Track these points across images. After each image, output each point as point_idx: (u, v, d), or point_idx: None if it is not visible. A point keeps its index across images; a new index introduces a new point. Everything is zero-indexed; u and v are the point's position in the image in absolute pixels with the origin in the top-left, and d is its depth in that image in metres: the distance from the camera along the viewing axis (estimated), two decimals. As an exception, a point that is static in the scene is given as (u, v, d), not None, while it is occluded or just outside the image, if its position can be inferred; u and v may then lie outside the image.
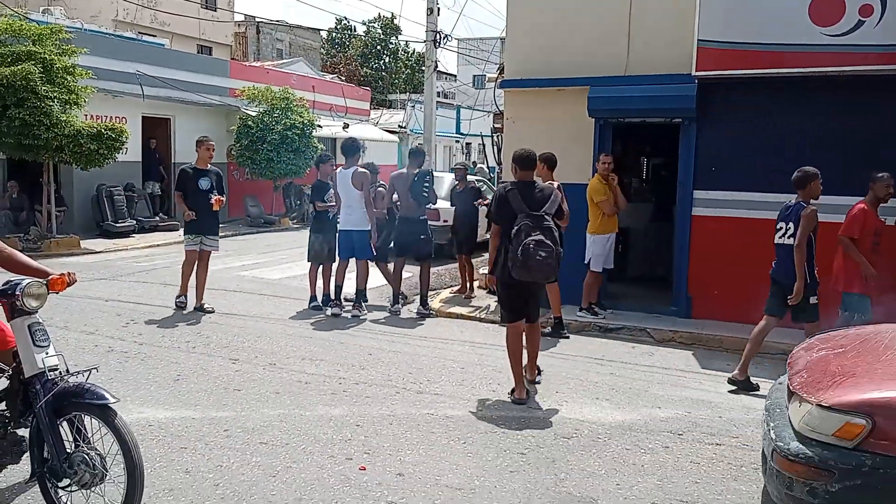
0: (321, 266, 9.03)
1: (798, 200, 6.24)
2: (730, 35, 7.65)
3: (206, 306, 8.52)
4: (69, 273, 3.68)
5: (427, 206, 9.03)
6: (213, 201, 8.46)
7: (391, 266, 9.34)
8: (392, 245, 9.37)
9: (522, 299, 5.85)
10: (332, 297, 8.89)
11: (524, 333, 5.95)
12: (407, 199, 8.92)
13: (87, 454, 3.43)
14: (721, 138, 8.39)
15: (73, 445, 3.49)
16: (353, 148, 8.90)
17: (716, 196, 8.42)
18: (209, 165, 8.74)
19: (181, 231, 9.72)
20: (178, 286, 8.68)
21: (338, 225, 8.94)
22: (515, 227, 5.56)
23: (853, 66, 7.26)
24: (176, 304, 8.55)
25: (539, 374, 6.21)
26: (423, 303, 9.04)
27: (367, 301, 8.99)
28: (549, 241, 5.50)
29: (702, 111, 8.30)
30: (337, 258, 8.94)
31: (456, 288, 10.41)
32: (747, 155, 8.21)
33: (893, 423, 3.21)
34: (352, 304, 8.90)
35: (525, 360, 5.96)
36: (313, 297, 9.03)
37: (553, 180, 7.35)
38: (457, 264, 10.53)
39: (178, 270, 8.74)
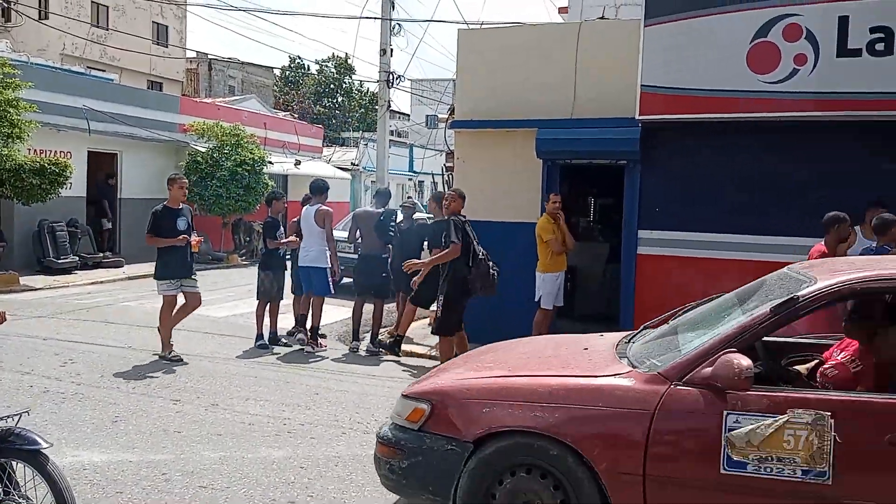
0: (269, 304, 8.93)
1: (881, 244, 6.21)
2: (672, 81, 7.89)
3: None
4: (1, 312, 3.56)
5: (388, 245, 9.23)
6: (193, 241, 8.13)
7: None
8: (353, 282, 9.48)
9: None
10: (278, 334, 9.03)
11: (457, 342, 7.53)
12: (371, 237, 9.09)
13: (18, 503, 3.29)
14: (664, 179, 8.60)
15: (3, 493, 3.35)
16: (320, 188, 9.04)
17: (659, 235, 8.61)
18: (181, 204, 8.24)
19: (119, 269, 9.44)
20: (119, 323, 8.44)
21: (295, 261, 9.04)
22: (472, 254, 7.16)
23: (789, 112, 7.53)
24: (169, 360, 7.77)
25: None
26: (374, 340, 9.02)
27: (324, 337, 9.07)
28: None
29: (645, 153, 8.52)
30: (290, 295, 9.18)
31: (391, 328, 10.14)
32: (690, 195, 8.43)
33: (446, 407, 3.75)
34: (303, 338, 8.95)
35: None
36: (260, 336, 8.91)
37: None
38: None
39: (122, 308, 8.53)
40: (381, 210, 9.19)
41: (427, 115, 40.98)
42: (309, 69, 52.99)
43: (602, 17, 11.12)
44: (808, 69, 7.39)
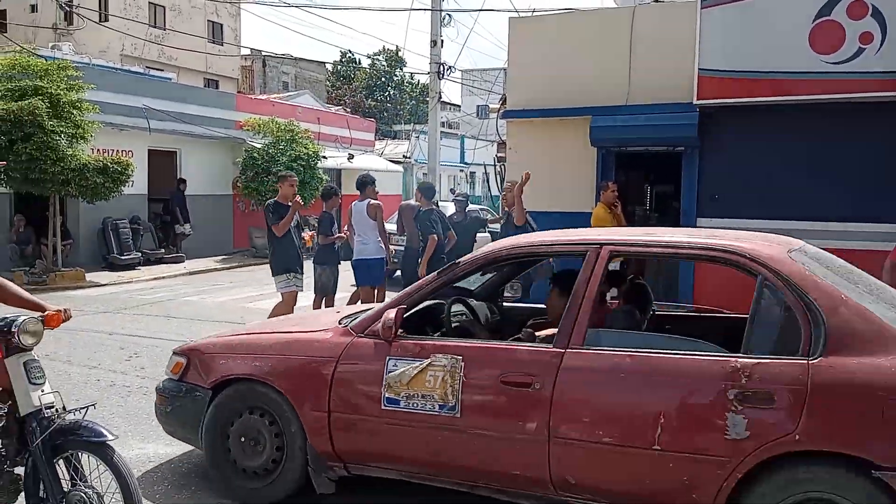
0: (324, 298, 9.02)
1: None
2: (730, 63, 7.70)
3: None
4: (65, 309, 3.66)
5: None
6: (305, 237, 8.22)
7: None
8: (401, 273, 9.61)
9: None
10: None
11: None
12: (413, 230, 9.12)
13: (85, 493, 3.38)
14: (723, 166, 8.38)
15: (70, 484, 3.44)
16: (364, 183, 9.08)
17: (719, 224, 8.38)
18: (291, 201, 8.20)
19: (180, 265, 9.64)
20: (181, 318, 8.64)
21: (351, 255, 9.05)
22: None
23: (854, 94, 7.28)
24: None
25: None
26: None
27: None
28: None
29: (703, 139, 8.31)
30: (347, 289, 9.23)
31: None
32: (750, 182, 8.20)
33: (196, 361, 4.43)
34: None
35: None
36: None
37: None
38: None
39: (184, 302, 8.72)
40: (428, 207, 9.11)
41: (478, 106, 40.76)
42: (360, 63, 53.38)
43: (657, 1, 10.88)
44: (875, 48, 7.13)
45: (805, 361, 3.17)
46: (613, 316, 4.45)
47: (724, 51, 7.72)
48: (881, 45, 7.08)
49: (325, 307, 9.01)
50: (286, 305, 8.15)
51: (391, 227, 12.82)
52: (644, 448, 3.31)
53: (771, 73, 7.58)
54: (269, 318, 7.85)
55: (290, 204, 8.15)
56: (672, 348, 3.52)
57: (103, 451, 3.37)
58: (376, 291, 8.89)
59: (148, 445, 5.14)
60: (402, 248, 10.12)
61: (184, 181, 17.81)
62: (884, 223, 7.57)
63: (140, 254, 15.72)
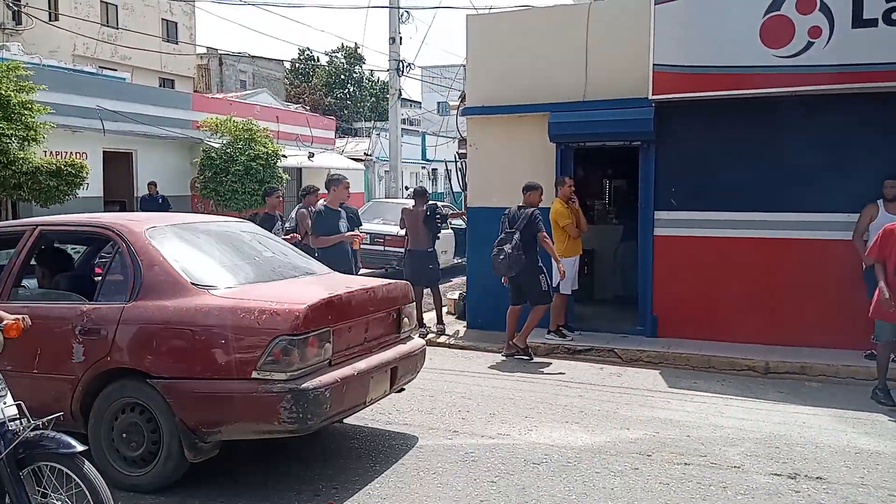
0: None
1: None
2: (684, 59, 7.81)
3: None
4: (24, 316, 3.58)
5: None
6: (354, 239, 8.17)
7: None
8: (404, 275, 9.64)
9: (516, 289, 8.17)
10: None
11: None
12: (417, 233, 9.49)
13: None
14: (679, 159, 8.52)
15: (41, 496, 3.38)
16: (329, 182, 9.12)
17: (677, 216, 8.54)
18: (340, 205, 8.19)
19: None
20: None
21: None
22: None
23: (804, 87, 7.43)
24: None
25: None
26: (440, 321, 9.65)
27: None
28: (504, 249, 7.90)
29: (659, 133, 8.43)
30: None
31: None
32: (705, 175, 8.35)
33: None
34: None
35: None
36: None
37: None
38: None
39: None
40: (424, 207, 9.56)
41: (438, 102, 40.91)
42: (319, 60, 52.98)
43: (611, -3, 10.98)
44: (823, 41, 7.28)
45: (122, 305, 4.45)
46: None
47: (678, 46, 7.83)
48: (829, 38, 7.24)
49: None
50: None
51: (380, 227, 13.04)
52: (30, 372, 4.49)
53: (724, 68, 7.70)
54: None
55: (338, 210, 8.05)
56: (53, 300, 4.96)
57: (72, 462, 3.32)
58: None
59: (109, 452, 5.06)
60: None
61: (154, 184, 17.07)
62: (837, 213, 7.77)
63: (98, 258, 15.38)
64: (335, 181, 8.39)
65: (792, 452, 5.17)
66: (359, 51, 50.55)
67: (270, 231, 8.72)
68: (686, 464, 4.94)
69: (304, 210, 9.15)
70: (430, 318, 9.86)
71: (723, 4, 7.71)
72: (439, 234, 9.88)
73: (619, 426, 5.78)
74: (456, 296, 10.69)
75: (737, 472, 4.80)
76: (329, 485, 4.55)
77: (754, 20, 7.47)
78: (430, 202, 9.83)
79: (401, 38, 19.56)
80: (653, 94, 7.93)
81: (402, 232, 10.07)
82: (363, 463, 4.93)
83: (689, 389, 6.85)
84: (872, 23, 7.09)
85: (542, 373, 7.55)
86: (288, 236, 8.99)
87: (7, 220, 13.03)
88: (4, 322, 3.47)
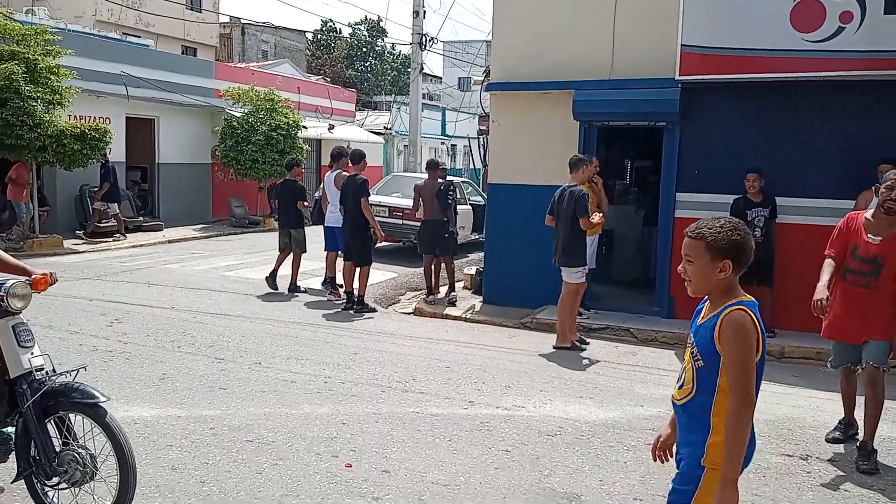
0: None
1: None
2: (713, 40, 7.74)
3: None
4: (51, 273, 3.68)
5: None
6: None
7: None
8: (419, 245, 10.29)
9: None
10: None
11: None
12: (432, 204, 9.72)
13: (78, 453, 3.43)
14: (703, 142, 8.48)
15: (63, 444, 3.49)
16: (339, 154, 9.92)
17: (698, 199, 8.51)
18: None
19: (158, 233, 9.70)
20: (162, 285, 8.65)
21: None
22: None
23: (834, 72, 7.37)
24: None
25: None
26: (452, 288, 9.95)
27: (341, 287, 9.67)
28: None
29: (685, 115, 8.39)
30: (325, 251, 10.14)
31: (422, 292, 10.49)
32: (729, 158, 8.30)
33: None
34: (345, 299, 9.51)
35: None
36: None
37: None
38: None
39: (164, 270, 8.74)
40: (440, 182, 9.86)
41: (459, 78, 40.69)
42: (341, 32, 52.78)
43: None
44: (855, 27, 7.20)
45: None
46: None
47: (706, 27, 7.77)
48: (860, 24, 7.16)
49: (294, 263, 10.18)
50: (575, 295, 7.63)
51: (398, 201, 13.26)
52: None
53: (752, 51, 7.64)
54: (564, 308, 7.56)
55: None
56: None
57: (96, 411, 3.41)
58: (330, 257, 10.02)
59: (132, 408, 5.19)
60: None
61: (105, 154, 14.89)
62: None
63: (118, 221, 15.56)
64: (581, 160, 7.75)
65: (804, 435, 5.21)
66: (381, 24, 50.31)
67: (295, 196, 10.20)
68: (699, 441, 4.98)
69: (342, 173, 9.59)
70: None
71: (754, -14, 7.63)
72: (457, 210, 10.11)
73: (633, 403, 5.84)
74: (473, 271, 10.75)
75: (749, 451, 4.84)
76: (347, 447, 4.64)
77: (785, 3, 7.39)
78: (448, 180, 10.06)
79: (424, 11, 19.53)
80: (679, 75, 7.89)
81: (415, 206, 10.18)
82: (380, 427, 5.02)
83: (703, 370, 6.88)
84: (906, 9, 7.00)
85: (558, 349, 7.60)
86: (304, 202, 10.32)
87: (32, 181, 13.19)
88: (33, 276, 3.57)
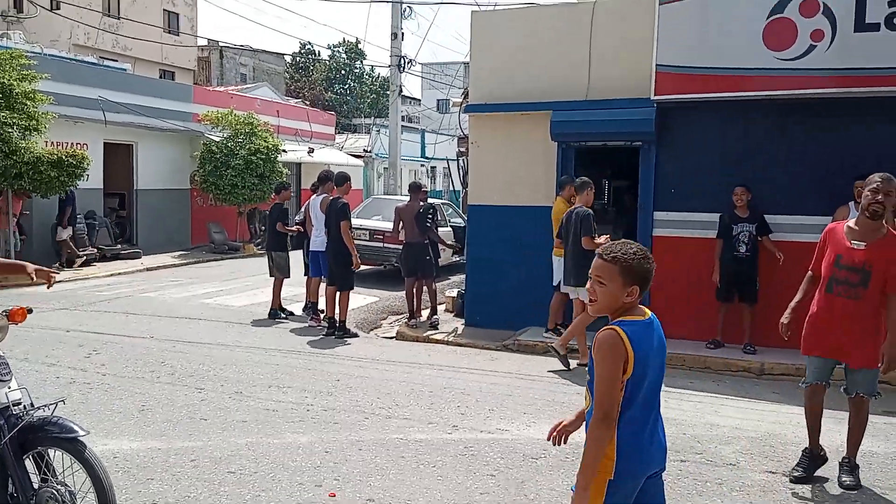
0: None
1: None
2: (687, 60, 7.85)
3: None
4: (49, 272, 3.65)
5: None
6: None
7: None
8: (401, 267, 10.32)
9: None
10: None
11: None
12: (412, 227, 9.74)
13: (56, 489, 3.36)
14: (680, 160, 8.57)
15: (41, 480, 3.42)
16: (325, 178, 9.89)
17: (676, 217, 8.59)
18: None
19: (137, 261, 9.60)
20: (140, 314, 8.54)
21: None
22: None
23: (806, 90, 7.48)
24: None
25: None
26: (434, 311, 9.93)
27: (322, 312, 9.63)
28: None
29: (661, 134, 8.49)
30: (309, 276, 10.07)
31: (403, 316, 10.45)
32: (705, 176, 8.40)
33: None
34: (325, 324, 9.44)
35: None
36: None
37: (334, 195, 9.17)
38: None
39: (143, 299, 8.66)
40: (421, 204, 9.89)
41: (438, 100, 40.92)
42: (320, 55, 52.95)
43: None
44: (826, 45, 7.33)
45: None
46: None
47: (681, 47, 7.88)
48: (831, 42, 7.29)
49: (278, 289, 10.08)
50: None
51: (378, 224, 13.27)
52: None
53: (726, 70, 7.74)
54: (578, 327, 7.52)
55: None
56: None
57: (75, 446, 3.35)
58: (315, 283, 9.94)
59: (112, 441, 5.10)
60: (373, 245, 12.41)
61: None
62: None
63: (96, 250, 15.42)
64: (586, 183, 7.96)
65: (787, 451, 5.23)
66: (360, 46, 50.58)
67: (283, 218, 10.15)
68: (682, 461, 4.99)
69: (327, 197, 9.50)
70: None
71: (727, 6, 7.75)
72: (434, 231, 10.09)
73: (617, 423, 5.83)
74: (455, 293, 10.74)
75: (732, 470, 4.86)
76: (331, 476, 4.59)
77: (758, 22, 7.52)
78: (429, 203, 10.07)
79: (403, 33, 19.65)
80: (655, 95, 7.99)
81: (395, 229, 10.21)
82: (364, 455, 4.97)
83: (685, 389, 6.90)
84: (875, 27, 7.14)
85: (540, 371, 7.60)
86: (293, 228, 10.19)
87: (7, 209, 13.04)
88: (10, 308, 3.52)
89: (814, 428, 4.74)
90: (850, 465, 4.67)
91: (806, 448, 4.78)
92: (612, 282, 2.50)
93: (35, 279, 3.61)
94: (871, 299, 4.44)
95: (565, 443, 2.80)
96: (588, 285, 2.58)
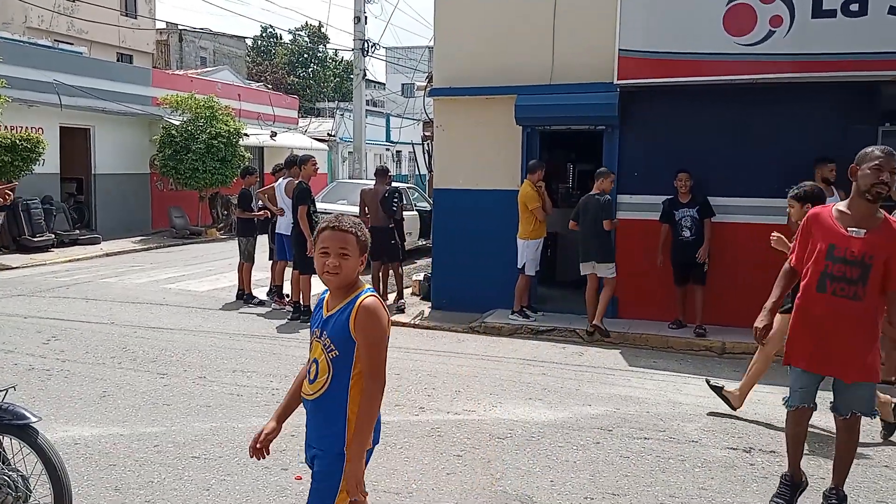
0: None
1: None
2: (649, 45, 7.92)
3: None
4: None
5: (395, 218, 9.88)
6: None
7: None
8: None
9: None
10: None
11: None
12: (377, 211, 9.67)
13: (8, 475, 3.29)
14: (642, 144, 8.66)
15: None
16: (291, 162, 9.78)
17: (639, 200, 8.69)
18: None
19: (96, 246, 9.40)
20: (100, 300, 8.39)
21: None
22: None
23: (765, 75, 7.60)
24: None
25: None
26: (401, 295, 9.95)
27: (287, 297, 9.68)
28: None
29: (623, 118, 8.56)
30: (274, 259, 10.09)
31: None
32: (667, 159, 8.48)
33: None
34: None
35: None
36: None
37: None
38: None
39: (102, 284, 8.51)
40: (387, 188, 9.80)
41: (403, 84, 40.69)
42: (281, 38, 52.23)
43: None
44: (784, 31, 7.44)
45: None
46: None
47: (643, 32, 7.94)
48: (790, 28, 7.40)
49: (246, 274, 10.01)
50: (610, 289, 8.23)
51: (343, 208, 13.16)
52: None
53: (688, 55, 7.83)
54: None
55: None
56: None
57: (26, 433, 3.29)
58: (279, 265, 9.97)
59: (73, 428, 5.03)
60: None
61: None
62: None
63: (53, 235, 15.09)
64: (604, 174, 8.27)
65: (747, 428, 5.35)
66: (323, 29, 49.95)
67: (248, 206, 10.01)
68: (646, 438, 5.08)
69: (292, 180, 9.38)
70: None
71: (688, -9, 7.82)
72: (400, 218, 10.06)
73: (581, 403, 5.91)
74: (421, 277, 10.74)
75: (694, 447, 4.96)
76: (296, 459, 4.57)
77: (718, 7, 7.60)
78: (394, 186, 10.00)
79: (366, 17, 19.47)
80: (618, 80, 8.04)
81: (361, 213, 9.95)
82: (330, 438, 4.96)
83: (648, 368, 7.02)
84: (831, 13, 7.27)
85: (506, 352, 7.65)
86: (260, 213, 10.09)
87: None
88: None
89: (796, 453, 4.06)
90: (837, 496, 3.93)
91: (785, 474, 4.10)
92: (355, 253, 2.53)
93: None
94: (871, 299, 3.70)
95: (268, 454, 2.73)
96: (330, 260, 2.50)
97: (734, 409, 5.65)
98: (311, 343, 2.63)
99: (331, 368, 2.52)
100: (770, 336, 4.42)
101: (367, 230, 2.61)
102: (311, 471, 2.66)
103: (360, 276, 2.57)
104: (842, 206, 3.85)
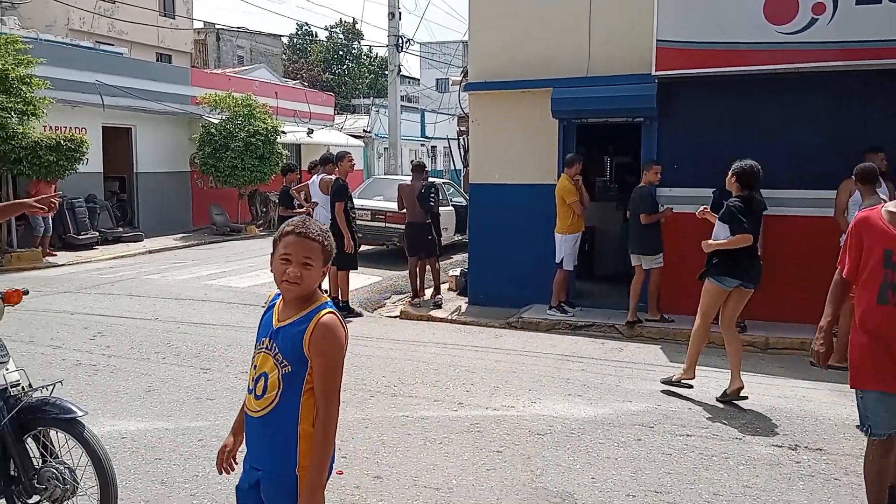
0: None
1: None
2: (687, 35, 7.80)
3: None
4: (21, 290, 3.62)
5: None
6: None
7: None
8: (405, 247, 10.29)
9: None
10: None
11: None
12: (414, 206, 9.70)
13: (57, 468, 3.38)
14: (682, 136, 8.54)
15: (42, 461, 3.44)
16: (325, 160, 9.79)
17: (679, 193, 8.57)
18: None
19: (139, 243, 9.58)
20: (144, 296, 8.53)
21: None
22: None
23: (808, 63, 7.44)
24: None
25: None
26: (437, 290, 9.92)
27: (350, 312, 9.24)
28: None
29: (662, 110, 8.44)
30: None
31: (407, 295, 10.45)
32: (708, 151, 8.35)
33: None
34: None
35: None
36: None
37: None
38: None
39: (146, 281, 8.67)
40: (423, 183, 9.80)
41: (437, 79, 40.66)
42: (317, 36, 52.60)
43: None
44: (827, 18, 7.28)
45: None
46: None
47: (682, 22, 7.82)
48: (833, 15, 7.24)
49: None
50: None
51: (380, 204, 13.27)
52: None
53: (727, 44, 7.70)
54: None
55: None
56: None
57: (73, 426, 3.37)
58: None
59: (119, 422, 5.13)
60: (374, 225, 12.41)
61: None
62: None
63: (97, 233, 15.42)
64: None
65: (792, 425, 5.26)
66: (357, 26, 50.20)
67: (290, 203, 10.09)
68: (688, 435, 5.02)
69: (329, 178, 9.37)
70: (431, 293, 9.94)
71: (728, -20, 7.69)
72: (437, 212, 10.03)
73: (622, 399, 5.86)
74: (458, 272, 10.75)
75: (738, 444, 4.88)
76: (338, 454, 4.59)
77: (759, -4, 7.46)
78: (430, 181, 9.95)
79: (400, 13, 19.49)
80: (656, 70, 7.94)
81: (400, 207, 10.23)
82: (370, 432, 5.00)
83: (689, 364, 6.92)
84: (876, 0, 7.09)
85: (544, 348, 7.62)
86: (303, 210, 9.82)
87: (7, 195, 13.03)
88: (5, 290, 3.53)
89: (879, 496, 3.44)
90: None
91: None
92: (318, 262, 2.32)
93: (36, 206, 3.65)
94: None
95: (234, 468, 2.60)
96: (291, 269, 2.28)
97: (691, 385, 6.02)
98: (256, 353, 2.42)
99: (281, 384, 2.32)
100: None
101: (332, 238, 2.38)
102: (246, 494, 2.48)
103: (319, 288, 2.38)
104: (891, 206, 3.41)
